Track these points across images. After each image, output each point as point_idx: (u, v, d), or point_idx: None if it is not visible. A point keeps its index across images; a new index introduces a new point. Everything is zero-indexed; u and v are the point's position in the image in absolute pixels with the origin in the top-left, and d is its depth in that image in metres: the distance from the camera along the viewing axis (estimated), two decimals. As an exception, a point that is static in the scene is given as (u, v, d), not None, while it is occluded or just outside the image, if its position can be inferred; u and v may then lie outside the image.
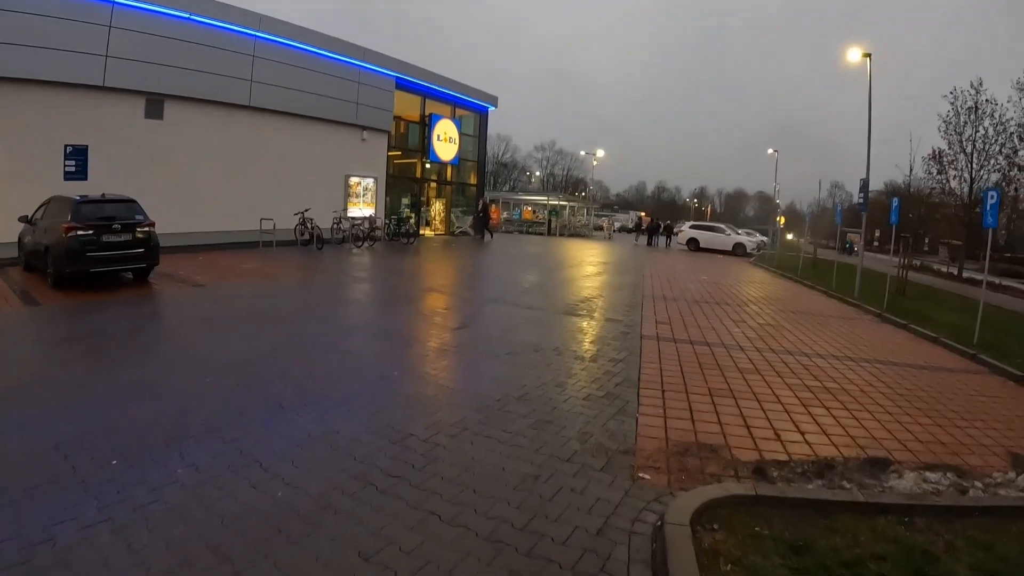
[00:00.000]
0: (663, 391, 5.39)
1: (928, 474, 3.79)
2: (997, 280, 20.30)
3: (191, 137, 15.14)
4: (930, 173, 25.39)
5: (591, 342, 7.30)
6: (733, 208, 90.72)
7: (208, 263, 12.38)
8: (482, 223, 26.41)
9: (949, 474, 3.80)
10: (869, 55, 14.56)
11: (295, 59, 17.68)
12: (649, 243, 31.93)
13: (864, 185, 13.95)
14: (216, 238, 15.12)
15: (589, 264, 18.16)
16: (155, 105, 14.47)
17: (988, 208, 9.22)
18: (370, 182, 21.10)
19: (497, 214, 32.14)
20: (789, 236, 48.29)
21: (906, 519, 3.18)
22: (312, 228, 16.37)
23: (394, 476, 3.45)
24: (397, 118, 22.72)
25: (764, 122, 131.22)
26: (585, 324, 8.44)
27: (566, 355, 6.55)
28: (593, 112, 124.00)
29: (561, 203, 37.15)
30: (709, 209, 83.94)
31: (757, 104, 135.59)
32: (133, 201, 9.67)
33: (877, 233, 54.97)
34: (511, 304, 9.77)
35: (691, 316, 9.61)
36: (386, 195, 22.18)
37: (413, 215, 21.98)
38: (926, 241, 63.27)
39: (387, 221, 20.79)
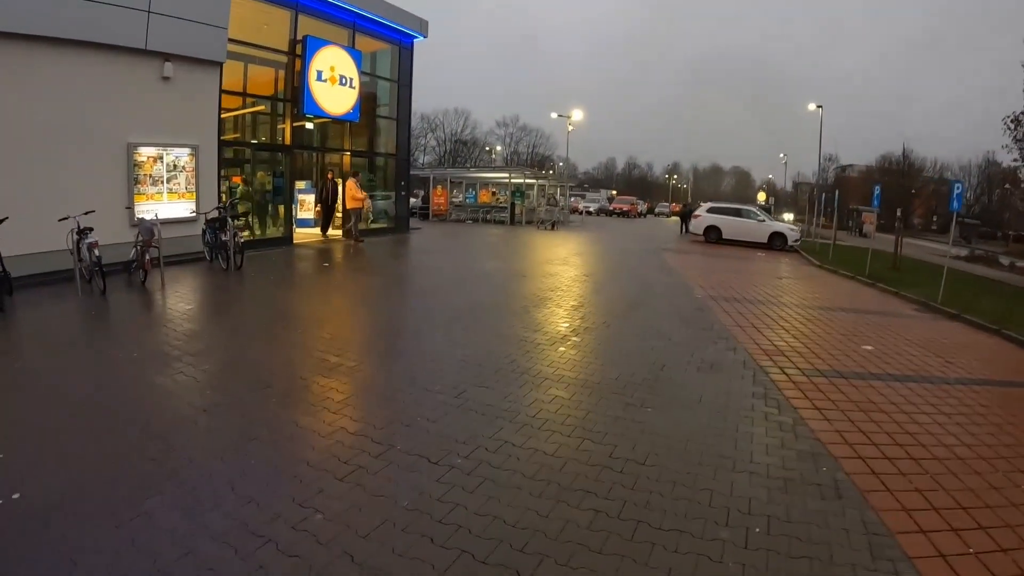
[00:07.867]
0: None
1: None
2: None
3: None
4: (1016, 139, 20.26)
5: None
6: (707, 185, 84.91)
7: None
8: (329, 213, 16.65)
9: None
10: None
11: None
12: (683, 231, 26.94)
13: None
14: None
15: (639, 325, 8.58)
16: None
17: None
18: (183, 155, 11.62)
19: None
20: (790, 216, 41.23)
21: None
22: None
23: None
24: (241, 43, 13.19)
25: (738, 94, 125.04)
26: None
27: None
28: (557, 86, 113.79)
29: (527, 180, 28.03)
30: (690, 186, 77.04)
31: (727, 75, 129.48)
32: None
33: (899, 212, 47.27)
34: None
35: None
36: (221, 175, 12.73)
37: (234, 216, 10.76)
38: (934, 219, 56.76)
39: (206, 226, 11.19)
